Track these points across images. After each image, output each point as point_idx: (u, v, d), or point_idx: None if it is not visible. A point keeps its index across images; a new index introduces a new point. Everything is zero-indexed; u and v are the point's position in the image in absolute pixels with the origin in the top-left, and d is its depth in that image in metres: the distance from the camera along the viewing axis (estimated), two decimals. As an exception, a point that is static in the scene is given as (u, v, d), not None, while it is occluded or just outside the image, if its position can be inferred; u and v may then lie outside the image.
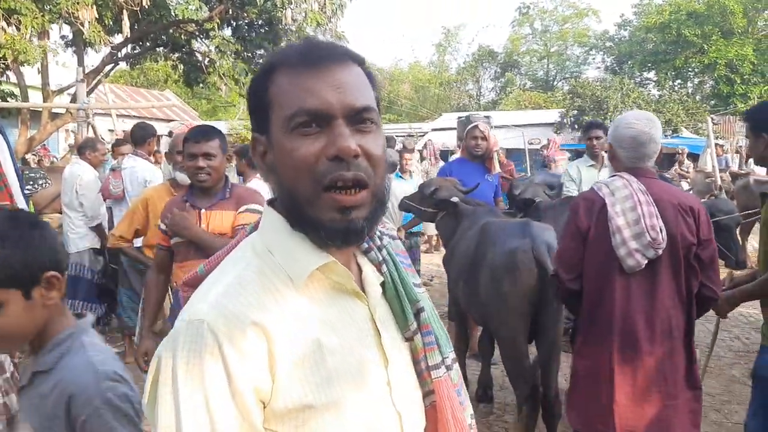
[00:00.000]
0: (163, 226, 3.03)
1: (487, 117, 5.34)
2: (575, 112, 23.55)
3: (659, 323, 2.54)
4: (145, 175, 5.23)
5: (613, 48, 38.04)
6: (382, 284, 1.03)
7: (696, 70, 32.86)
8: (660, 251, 2.50)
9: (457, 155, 6.91)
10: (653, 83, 35.09)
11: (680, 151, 12.22)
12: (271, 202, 1.02)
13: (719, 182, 9.93)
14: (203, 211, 2.97)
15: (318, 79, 0.92)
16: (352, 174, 0.90)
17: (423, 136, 22.24)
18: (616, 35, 38.40)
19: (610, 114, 22.19)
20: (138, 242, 4.25)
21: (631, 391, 2.55)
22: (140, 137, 5.46)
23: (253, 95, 0.99)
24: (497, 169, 5.04)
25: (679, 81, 34.36)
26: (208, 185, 2.95)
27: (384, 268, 1.04)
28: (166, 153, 4.06)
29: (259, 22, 12.28)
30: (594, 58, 42.68)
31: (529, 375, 3.45)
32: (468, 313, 4.11)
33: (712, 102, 29.30)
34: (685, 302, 2.58)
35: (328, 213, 0.91)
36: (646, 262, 2.50)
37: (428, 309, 1.08)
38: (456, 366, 1.11)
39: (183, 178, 3.67)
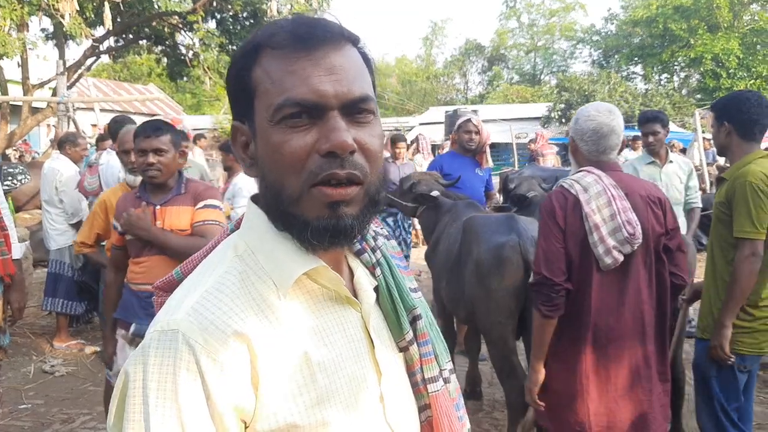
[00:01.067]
0: (118, 227, 2.93)
1: (474, 111, 5.29)
2: (562, 106, 23.63)
3: (632, 318, 2.50)
4: (119, 171, 5.08)
5: (599, 42, 38.22)
6: (376, 289, 0.94)
7: (682, 64, 33.10)
8: (636, 246, 2.45)
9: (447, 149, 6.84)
10: (640, 77, 35.31)
11: (672, 144, 12.22)
12: (255, 198, 0.92)
13: (707, 176, 9.96)
14: (158, 207, 2.88)
15: (310, 64, 0.82)
16: (345, 173, 0.81)
17: (410, 130, 22.21)
18: (602, 29, 38.58)
19: (597, 108, 22.23)
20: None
21: (607, 389, 2.50)
22: (115, 131, 5.32)
23: (233, 78, 0.89)
24: (489, 163, 4.99)
25: (665, 75, 34.61)
26: (158, 181, 2.87)
27: (378, 271, 0.95)
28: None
29: (244, 15, 12.16)
30: (581, 52, 42.93)
31: (518, 372, 3.40)
32: (453, 312, 4.05)
33: (698, 96, 29.50)
34: (657, 295, 2.55)
35: (315, 209, 0.82)
36: (622, 258, 2.45)
37: (425, 316, 0.99)
38: (454, 377, 1.04)
39: (132, 180, 3.50)
